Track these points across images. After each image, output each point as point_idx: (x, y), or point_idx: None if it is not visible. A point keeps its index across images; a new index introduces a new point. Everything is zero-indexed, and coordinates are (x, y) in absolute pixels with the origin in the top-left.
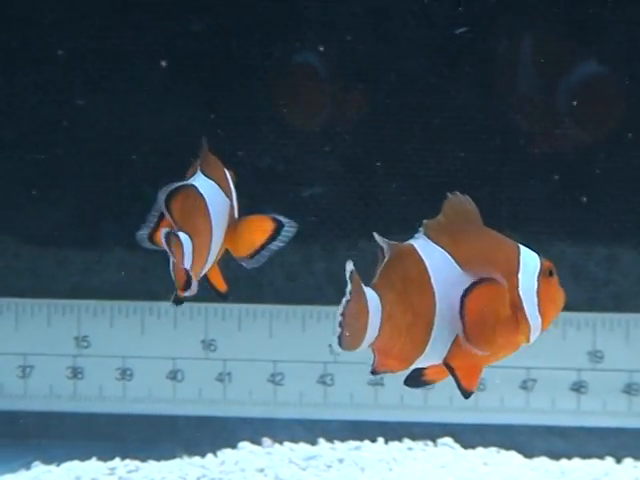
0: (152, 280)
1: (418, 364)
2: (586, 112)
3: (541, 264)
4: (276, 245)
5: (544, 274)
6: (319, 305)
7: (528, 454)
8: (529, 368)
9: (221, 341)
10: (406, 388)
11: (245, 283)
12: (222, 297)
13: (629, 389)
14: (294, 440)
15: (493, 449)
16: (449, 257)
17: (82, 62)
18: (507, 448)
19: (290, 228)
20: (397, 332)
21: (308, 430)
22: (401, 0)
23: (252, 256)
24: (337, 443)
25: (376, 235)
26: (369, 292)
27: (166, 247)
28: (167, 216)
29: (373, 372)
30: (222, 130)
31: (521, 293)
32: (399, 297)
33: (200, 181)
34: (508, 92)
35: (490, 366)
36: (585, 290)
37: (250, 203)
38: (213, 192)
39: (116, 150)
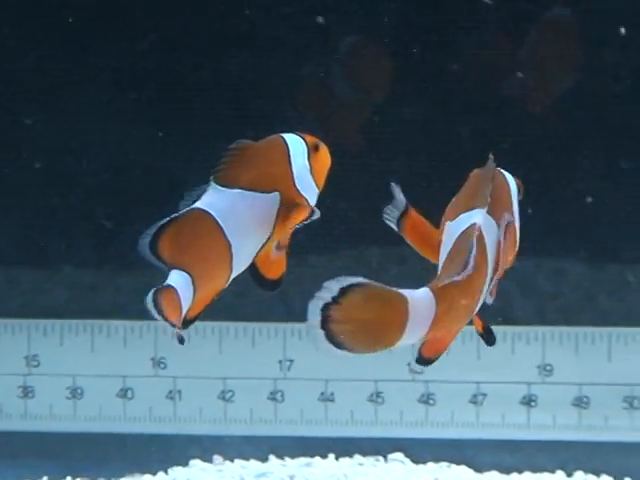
0: (101, 298)
1: None
2: (534, 126)
3: (517, 186)
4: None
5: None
6: (269, 322)
7: (478, 468)
8: (479, 382)
9: (171, 359)
10: (356, 404)
11: None
12: (271, 287)
13: (579, 402)
14: (245, 457)
15: (444, 464)
16: (496, 224)
17: (30, 81)
18: (458, 463)
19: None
20: (455, 321)
21: (259, 447)
22: None
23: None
24: (288, 460)
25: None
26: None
27: (153, 309)
28: (153, 261)
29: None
30: (171, 148)
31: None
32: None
33: (211, 197)
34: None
35: (439, 381)
36: (534, 304)
37: None
38: (232, 201)
39: (64, 168)
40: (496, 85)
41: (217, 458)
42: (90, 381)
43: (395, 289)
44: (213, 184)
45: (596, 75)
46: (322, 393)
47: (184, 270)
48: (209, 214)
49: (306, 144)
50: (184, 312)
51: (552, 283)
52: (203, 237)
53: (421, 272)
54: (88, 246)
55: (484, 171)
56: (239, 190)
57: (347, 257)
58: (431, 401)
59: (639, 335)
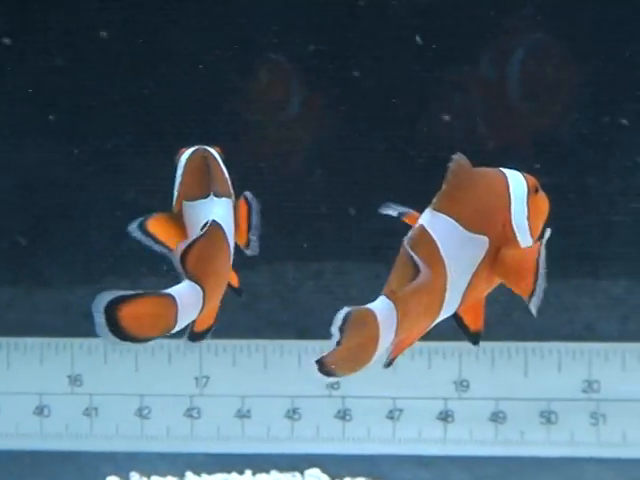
0: (17, 315)
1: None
2: (448, 141)
3: (527, 185)
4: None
5: (532, 194)
6: (184, 338)
7: None
8: (395, 398)
9: (87, 376)
10: (273, 420)
11: None
12: (239, 293)
13: (495, 417)
14: (161, 474)
15: (361, 479)
16: (454, 222)
17: None
18: (375, 478)
19: (254, 203)
20: (415, 322)
21: (175, 463)
22: None
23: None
24: (204, 476)
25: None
26: (381, 305)
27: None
28: (181, 272)
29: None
30: (86, 165)
31: (515, 227)
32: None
33: (216, 209)
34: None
35: (356, 397)
36: (449, 319)
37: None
38: (228, 212)
39: None
40: (410, 99)
41: (134, 475)
42: (6, 398)
43: (358, 307)
44: (212, 196)
45: (505, 90)
46: (239, 410)
47: (198, 283)
48: (222, 229)
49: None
50: (185, 323)
51: None
52: (221, 252)
53: (337, 287)
54: (3, 263)
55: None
56: (225, 198)
57: (263, 273)
58: (348, 417)
59: (555, 350)
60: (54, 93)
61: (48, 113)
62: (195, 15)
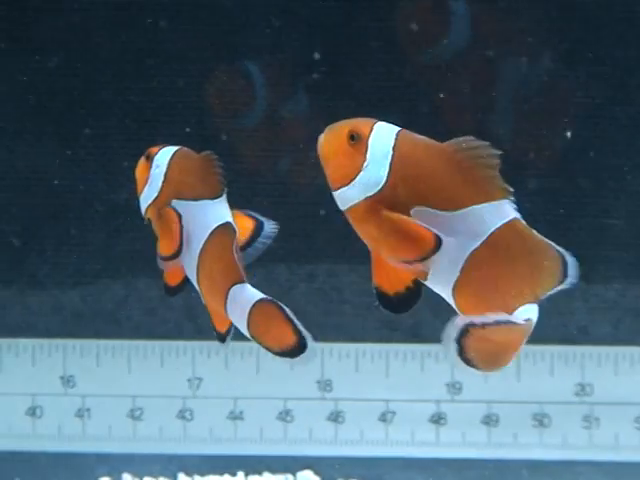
0: (10, 317)
1: None
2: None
3: None
4: (261, 245)
5: None
6: (178, 340)
7: None
8: (388, 400)
9: (80, 377)
10: (265, 422)
11: (103, 319)
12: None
13: (488, 420)
14: (154, 475)
15: None
16: None
17: None
18: None
19: (272, 227)
20: None
21: (168, 465)
22: None
23: None
24: (197, 478)
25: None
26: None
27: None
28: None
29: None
30: (79, 166)
31: None
32: None
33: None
34: None
35: (348, 399)
36: (443, 321)
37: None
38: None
39: None
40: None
41: (126, 476)
42: None
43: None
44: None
45: (498, 92)
46: (231, 411)
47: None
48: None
49: None
50: None
51: None
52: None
53: (330, 290)
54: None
55: (486, 157)
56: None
57: (256, 275)
58: (340, 419)
59: (548, 353)
60: (47, 95)
61: (41, 115)
62: (187, 17)
